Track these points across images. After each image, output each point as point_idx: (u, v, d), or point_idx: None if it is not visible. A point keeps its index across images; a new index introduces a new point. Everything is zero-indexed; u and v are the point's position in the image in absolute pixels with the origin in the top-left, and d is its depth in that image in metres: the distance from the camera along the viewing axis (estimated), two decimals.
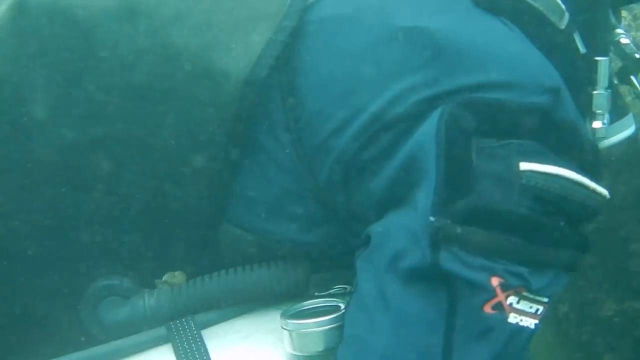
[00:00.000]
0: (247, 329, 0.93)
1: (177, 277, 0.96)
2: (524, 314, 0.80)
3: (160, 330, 0.91)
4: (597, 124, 0.98)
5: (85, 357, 0.89)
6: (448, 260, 0.78)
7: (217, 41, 0.89)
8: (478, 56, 0.85)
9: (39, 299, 0.93)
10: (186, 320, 0.92)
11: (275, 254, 0.95)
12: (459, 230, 0.78)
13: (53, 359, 0.88)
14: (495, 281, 0.78)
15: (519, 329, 0.80)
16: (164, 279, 0.96)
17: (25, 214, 0.90)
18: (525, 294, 0.80)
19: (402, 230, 0.82)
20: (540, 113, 0.83)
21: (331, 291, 0.95)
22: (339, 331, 0.85)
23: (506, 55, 0.87)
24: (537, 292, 0.80)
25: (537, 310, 0.81)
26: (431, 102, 0.83)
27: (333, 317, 0.86)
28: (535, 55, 0.89)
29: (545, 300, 0.81)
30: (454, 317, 0.79)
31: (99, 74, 0.88)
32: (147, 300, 0.93)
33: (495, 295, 0.78)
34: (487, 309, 0.78)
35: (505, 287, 0.78)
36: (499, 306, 0.79)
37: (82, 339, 0.92)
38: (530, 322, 0.81)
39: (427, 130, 0.82)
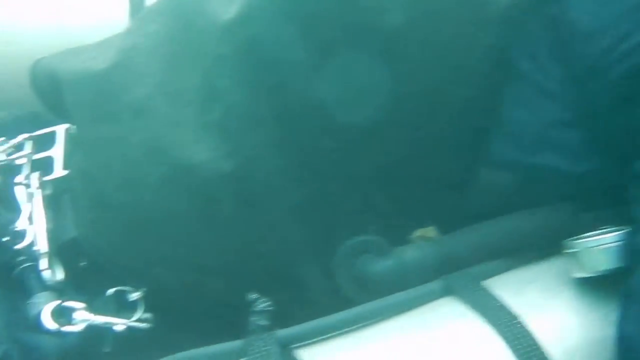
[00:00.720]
0: (524, 277, 0.82)
1: (430, 232, 0.86)
2: None
3: (437, 284, 0.80)
4: None
5: (370, 309, 0.78)
6: None
7: None
8: None
9: (290, 258, 0.84)
10: (461, 273, 0.81)
11: (536, 195, 0.85)
12: None
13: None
14: None
15: None
16: (417, 234, 0.85)
17: (289, 165, 0.83)
18: None
19: None
20: None
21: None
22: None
23: None
24: None
25: None
26: None
27: (622, 234, 0.76)
28: None
29: None
30: None
31: (351, 22, 0.81)
32: (412, 254, 0.83)
33: None
34: None
35: None
36: None
37: (335, 300, 0.82)
38: None
39: None
